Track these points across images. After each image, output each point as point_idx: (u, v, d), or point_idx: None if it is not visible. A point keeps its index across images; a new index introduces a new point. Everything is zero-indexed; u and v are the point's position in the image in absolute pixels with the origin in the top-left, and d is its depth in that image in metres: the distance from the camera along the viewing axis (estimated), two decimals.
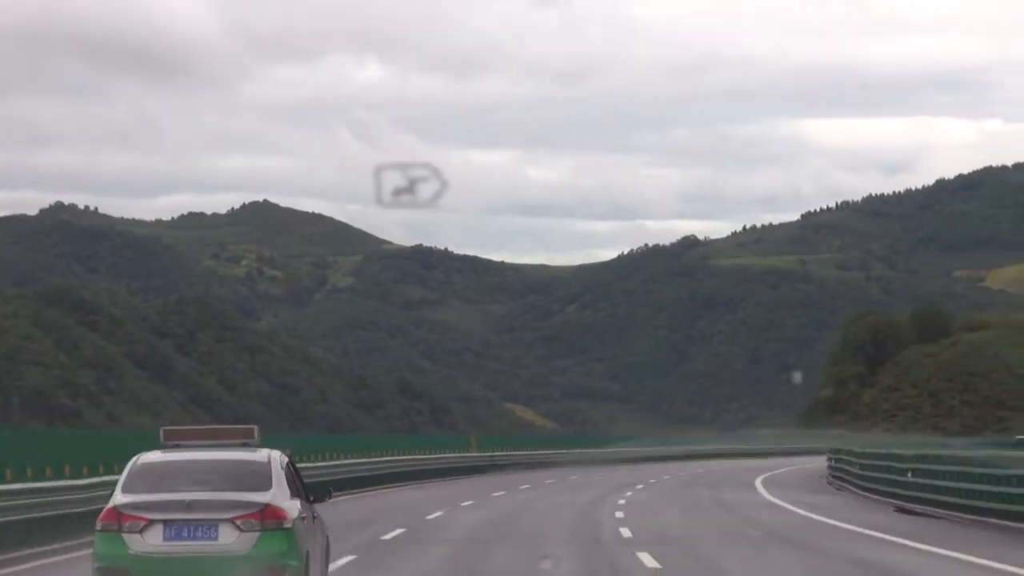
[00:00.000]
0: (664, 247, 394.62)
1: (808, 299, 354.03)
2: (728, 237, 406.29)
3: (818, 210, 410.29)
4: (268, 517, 18.62)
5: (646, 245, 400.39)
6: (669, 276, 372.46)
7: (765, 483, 72.41)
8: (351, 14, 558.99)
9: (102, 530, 18.71)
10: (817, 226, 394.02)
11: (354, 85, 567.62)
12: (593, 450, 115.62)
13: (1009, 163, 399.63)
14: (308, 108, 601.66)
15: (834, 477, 72.46)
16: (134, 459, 19.56)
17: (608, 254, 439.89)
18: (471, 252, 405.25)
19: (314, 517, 20.19)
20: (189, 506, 18.55)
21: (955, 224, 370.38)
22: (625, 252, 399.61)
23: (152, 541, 18.51)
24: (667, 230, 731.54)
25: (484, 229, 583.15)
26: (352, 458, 65.52)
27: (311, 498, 20.38)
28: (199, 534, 18.52)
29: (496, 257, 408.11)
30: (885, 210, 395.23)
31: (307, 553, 19.19)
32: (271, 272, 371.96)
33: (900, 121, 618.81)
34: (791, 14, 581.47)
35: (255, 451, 19.82)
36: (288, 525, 18.74)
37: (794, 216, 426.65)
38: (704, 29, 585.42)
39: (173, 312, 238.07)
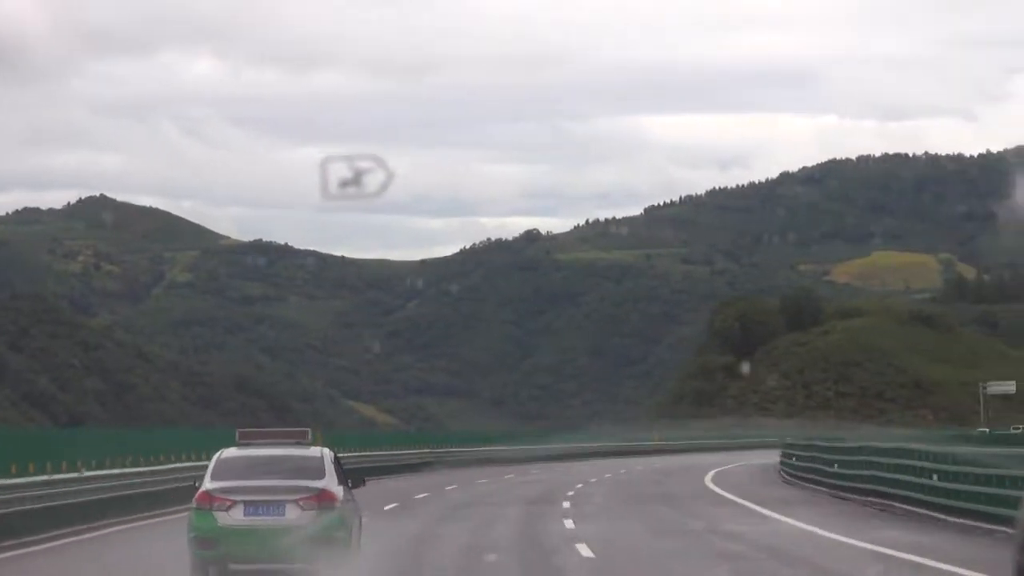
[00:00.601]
0: (507, 241, 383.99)
1: (652, 293, 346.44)
2: (571, 231, 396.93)
3: (661, 204, 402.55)
4: (323, 499, 24.31)
5: (488, 239, 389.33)
6: (512, 271, 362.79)
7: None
8: (183, 8, 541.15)
9: (197, 508, 24.33)
10: (660, 220, 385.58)
11: (187, 80, 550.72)
12: (466, 449, 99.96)
13: (852, 156, 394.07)
14: (141, 103, 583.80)
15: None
16: (218, 454, 25.35)
17: (449, 250, 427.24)
18: (311, 247, 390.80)
19: (352, 500, 25.48)
20: (263, 490, 24.26)
21: (798, 218, 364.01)
22: (468, 246, 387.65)
23: (235, 517, 24.08)
24: (508, 226, 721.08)
25: (321, 225, 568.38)
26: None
27: (350, 484, 25.76)
28: (271, 512, 24.14)
29: (336, 252, 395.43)
30: (728, 204, 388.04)
31: (350, 527, 24.88)
32: (108, 267, 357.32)
33: (737, 117, 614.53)
34: (631, 9, 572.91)
35: (310, 448, 25.58)
36: (338, 505, 24.45)
37: (637, 211, 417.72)
38: (544, 24, 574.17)
39: (6, 308, 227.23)
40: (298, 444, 25.70)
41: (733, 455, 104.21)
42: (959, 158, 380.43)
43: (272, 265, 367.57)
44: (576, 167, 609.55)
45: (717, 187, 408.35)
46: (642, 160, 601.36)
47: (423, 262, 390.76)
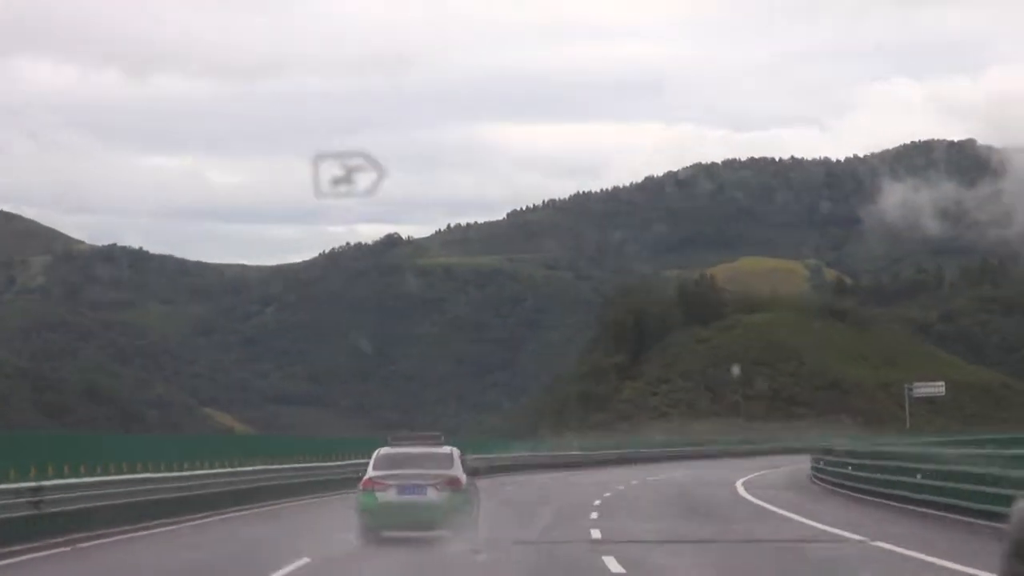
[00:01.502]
0: (366, 246, 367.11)
1: (517, 298, 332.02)
2: (432, 236, 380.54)
3: (524, 209, 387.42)
4: (453, 484, 31.23)
5: (347, 244, 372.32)
6: (371, 276, 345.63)
7: None
8: (28, 12, 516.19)
9: (363, 490, 31.57)
10: (523, 225, 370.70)
11: (35, 86, 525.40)
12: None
13: (717, 161, 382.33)
14: None
15: None
16: (377, 451, 32.56)
17: (304, 256, 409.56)
18: (167, 253, 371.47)
19: (474, 485, 32.79)
20: (410, 477, 31.31)
21: (664, 223, 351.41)
22: (327, 251, 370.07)
23: (390, 496, 31.20)
24: (363, 232, 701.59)
25: (173, 232, 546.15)
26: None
27: (472, 474, 33.26)
28: (416, 492, 31.20)
29: (192, 258, 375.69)
30: (591, 209, 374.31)
31: (473, 504, 32.06)
32: None
33: (593, 126, 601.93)
34: (488, 19, 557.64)
35: (442, 446, 32.64)
36: (463, 488, 31.40)
37: (499, 216, 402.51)
38: (391, 29, 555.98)
39: None
40: (434, 443, 33.06)
41: (684, 467, 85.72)
42: (825, 162, 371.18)
43: (127, 270, 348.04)
44: (434, 174, 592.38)
45: (580, 191, 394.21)
46: (504, 168, 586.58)
47: (279, 267, 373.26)
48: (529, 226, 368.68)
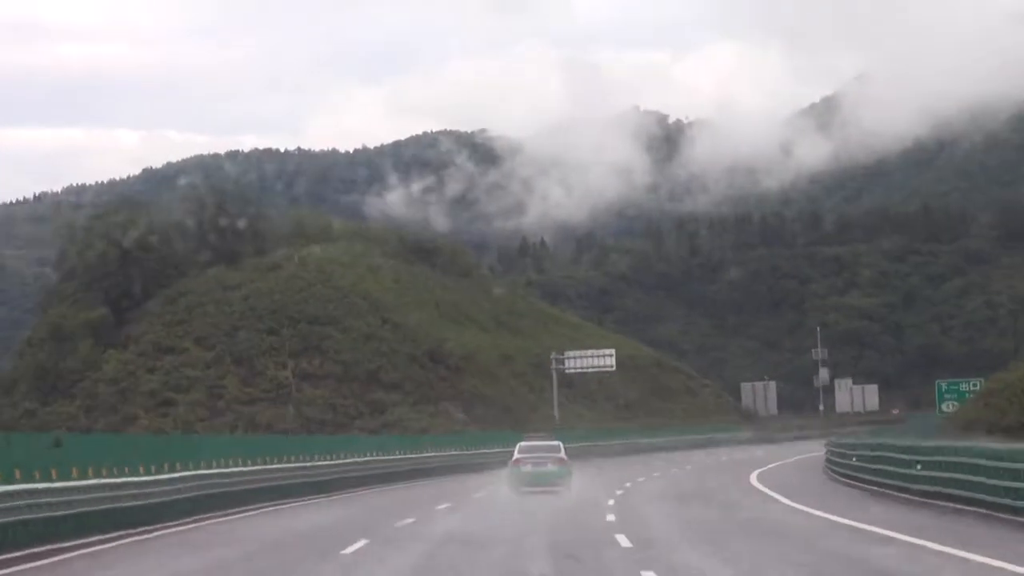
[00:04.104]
0: None
1: None
2: None
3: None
4: (561, 461, 51.98)
5: None
6: None
7: None
8: None
9: (512, 465, 52.17)
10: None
11: None
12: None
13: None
14: None
15: None
16: (519, 443, 53.62)
17: None
18: None
19: (570, 462, 53.05)
20: (538, 457, 52.05)
21: None
22: None
23: (527, 468, 51.47)
24: None
25: None
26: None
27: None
28: (541, 465, 51.56)
29: None
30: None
31: (571, 472, 52.40)
32: None
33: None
34: None
35: (554, 439, 55.11)
36: (567, 462, 52.25)
37: None
38: None
39: None
40: (549, 438, 56.51)
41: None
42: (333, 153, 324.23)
43: None
44: None
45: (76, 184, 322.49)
46: None
47: None
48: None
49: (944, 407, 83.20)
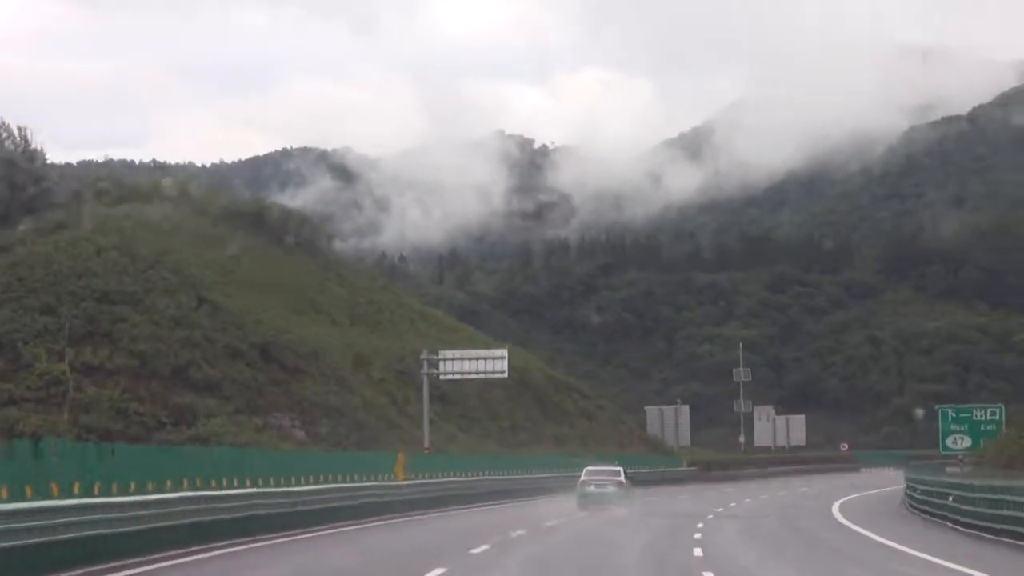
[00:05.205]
0: None
1: None
2: None
3: None
4: (621, 483, 58.76)
5: None
6: None
7: None
8: None
9: (580, 485, 59.07)
10: None
11: None
12: None
13: None
14: None
15: None
16: (585, 468, 61.16)
17: None
18: None
19: (631, 484, 60.72)
20: (601, 480, 59.06)
21: None
22: None
23: (591, 488, 58.33)
24: None
25: None
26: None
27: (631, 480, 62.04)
28: (604, 487, 58.40)
29: None
30: None
31: (633, 495, 59.94)
32: None
33: None
34: None
35: (615, 464, 62.84)
36: (628, 485, 59.29)
37: None
38: None
39: None
40: (611, 464, 63.23)
41: None
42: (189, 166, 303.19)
43: None
44: None
45: None
46: None
47: None
48: None
49: (950, 442, 59.96)
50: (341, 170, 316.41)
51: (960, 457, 56.48)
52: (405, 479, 51.86)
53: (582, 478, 58.74)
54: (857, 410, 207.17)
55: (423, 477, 56.00)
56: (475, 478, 63.20)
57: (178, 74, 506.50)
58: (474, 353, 66.65)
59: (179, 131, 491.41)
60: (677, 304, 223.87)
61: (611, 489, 57.41)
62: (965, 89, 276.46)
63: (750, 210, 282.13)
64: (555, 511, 52.37)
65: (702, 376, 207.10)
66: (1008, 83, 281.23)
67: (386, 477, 51.20)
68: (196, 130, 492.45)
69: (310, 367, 68.63)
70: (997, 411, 57.21)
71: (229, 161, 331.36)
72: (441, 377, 67.14)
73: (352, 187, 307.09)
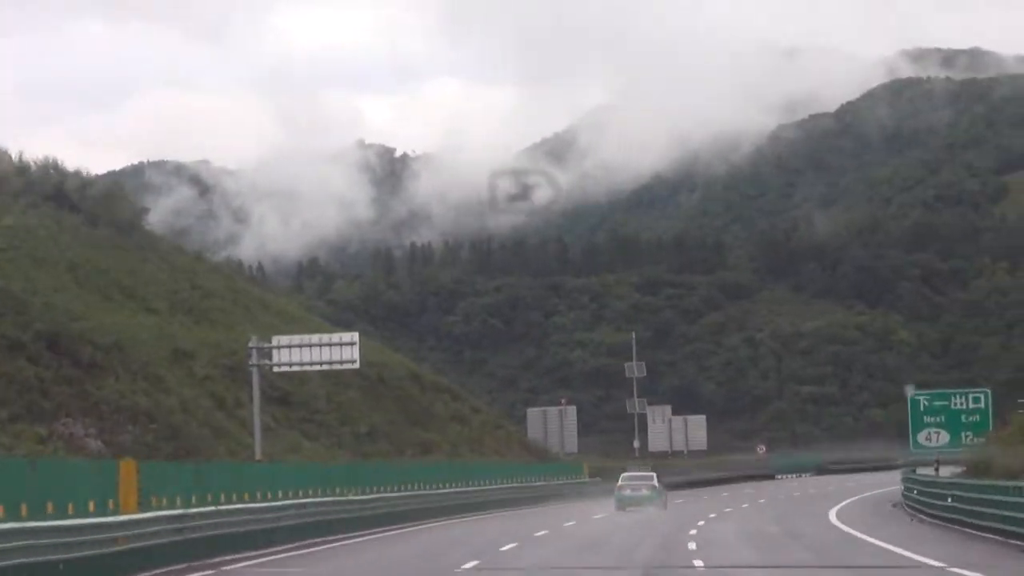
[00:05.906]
0: None
1: None
2: None
3: None
4: (655, 487, 65.16)
5: None
6: None
7: None
8: None
9: (617, 489, 65.52)
10: None
11: None
12: None
13: None
14: None
15: None
16: (623, 474, 69.01)
17: None
18: None
19: (663, 487, 67.91)
20: (636, 484, 65.31)
21: None
22: None
23: (627, 492, 64.57)
24: None
25: None
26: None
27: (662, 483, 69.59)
28: (639, 490, 64.55)
29: None
30: None
31: (664, 496, 66.97)
32: None
33: None
34: None
35: (650, 470, 75.71)
36: (659, 488, 65.92)
37: None
38: None
39: None
40: (646, 469, 77.40)
41: None
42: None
43: None
44: None
45: None
46: None
47: None
48: None
49: (922, 438, 46.66)
50: (197, 182, 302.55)
51: (937, 457, 43.72)
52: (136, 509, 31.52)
53: (619, 483, 65.61)
54: (735, 415, 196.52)
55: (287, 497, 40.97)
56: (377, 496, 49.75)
57: (24, 94, 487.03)
58: (316, 339, 52.73)
59: (33, 152, 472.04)
60: (546, 309, 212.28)
61: (645, 492, 63.73)
62: (832, 86, 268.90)
63: (617, 214, 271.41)
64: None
65: (574, 383, 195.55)
66: (875, 79, 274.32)
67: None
68: (50, 150, 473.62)
69: (112, 362, 54.65)
70: (981, 397, 44.61)
71: (86, 176, 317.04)
72: (275, 370, 53.28)
73: (208, 198, 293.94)
